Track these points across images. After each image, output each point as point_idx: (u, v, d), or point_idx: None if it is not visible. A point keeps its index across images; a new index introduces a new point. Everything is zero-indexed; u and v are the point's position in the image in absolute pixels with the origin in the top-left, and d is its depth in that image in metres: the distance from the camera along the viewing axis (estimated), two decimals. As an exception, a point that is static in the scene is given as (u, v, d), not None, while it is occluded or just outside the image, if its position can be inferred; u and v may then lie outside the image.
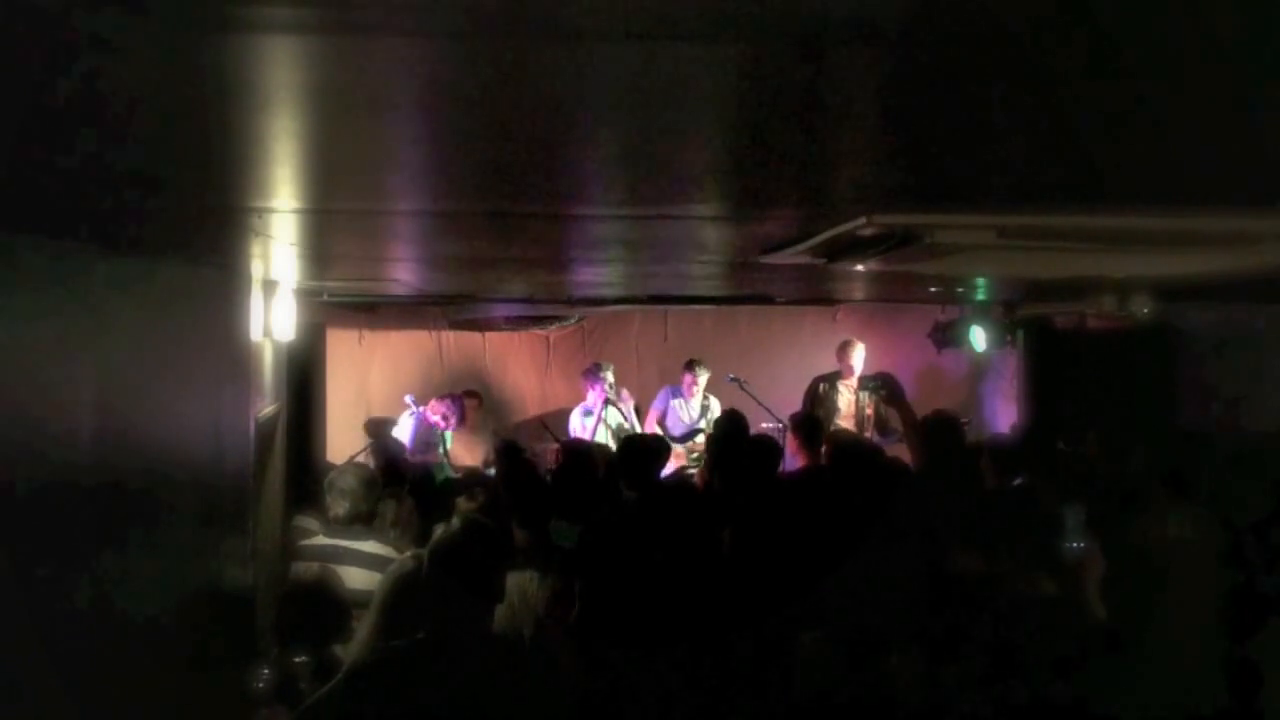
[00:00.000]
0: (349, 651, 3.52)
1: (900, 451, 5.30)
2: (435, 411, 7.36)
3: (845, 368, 7.55)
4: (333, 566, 4.07)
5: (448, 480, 5.70)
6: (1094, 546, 3.78)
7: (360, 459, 5.56)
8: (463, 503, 4.29)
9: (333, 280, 5.45)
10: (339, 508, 4.16)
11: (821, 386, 7.58)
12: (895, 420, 5.84)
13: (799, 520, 4.05)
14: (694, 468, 6.98)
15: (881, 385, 5.02)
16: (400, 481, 4.93)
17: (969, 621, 3.42)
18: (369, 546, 4.10)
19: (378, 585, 3.62)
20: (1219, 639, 3.28)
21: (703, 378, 7.63)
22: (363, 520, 4.18)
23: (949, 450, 4.60)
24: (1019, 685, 3.24)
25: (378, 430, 6.73)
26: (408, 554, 3.71)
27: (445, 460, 7.16)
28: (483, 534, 2.78)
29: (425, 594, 2.69)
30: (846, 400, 7.49)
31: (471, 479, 5.18)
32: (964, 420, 6.54)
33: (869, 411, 7.38)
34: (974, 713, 3.21)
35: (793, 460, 5.37)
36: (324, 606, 3.93)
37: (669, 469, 6.99)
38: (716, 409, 7.53)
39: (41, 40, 1.14)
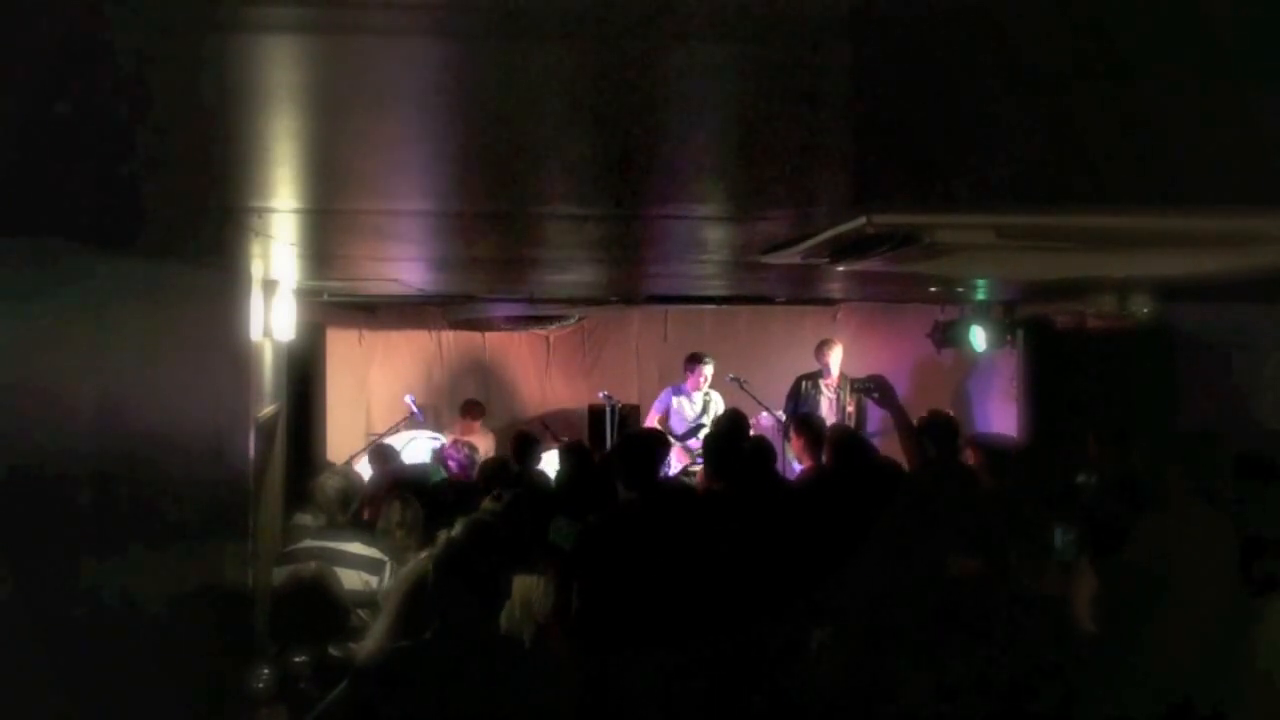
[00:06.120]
0: (361, 651, 3.53)
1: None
2: (451, 458, 7.31)
3: (824, 367, 7.58)
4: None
5: (444, 483, 5.70)
6: (1084, 562, 3.78)
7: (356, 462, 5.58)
8: (488, 503, 4.28)
9: (333, 280, 5.45)
10: (323, 511, 4.31)
11: (805, 385, 7.61)
12: (883, 420, 5.85)
13: (809, 521, 4.05)
14: (698, 466, 7.00)
15: (875, 388, 4.99)
16: (406, 484, 4.96)
17: (970, 620, 3.42)
18: (354, 547, 4.18)
19: (392, 586, 3.64)
20: (1227, 636, 3.27)
21: (708, 369, 7.63)
22: (347, 522, 4.29)
23: (947, 450, 4.60)
24: (1019, 683, 3.24)
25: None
26: (424, 555, 3.72)
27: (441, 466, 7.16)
28: (486, 535, 2.79)
29: (431, 594, 2.70)
30: (828, 400, 7.52)
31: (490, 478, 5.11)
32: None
33: (850, 409, 7.41)
34: (976, 712, 3.21)
35: (798, 461, 5.40)
36: (320, 606, 3.94)
37: (675, 468, 7.02)
38: (718, 403, 7.54)
39: (43, 41, 1.14)
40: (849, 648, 3.28)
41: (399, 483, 5.00)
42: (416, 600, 3.19)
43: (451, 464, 7.01)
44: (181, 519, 3.45)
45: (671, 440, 7.18)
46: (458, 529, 2.86)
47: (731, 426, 5.28)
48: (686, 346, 8.02)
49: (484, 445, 7.75)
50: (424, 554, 3.69)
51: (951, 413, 5.13)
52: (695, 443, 7.55)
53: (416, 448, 7.40)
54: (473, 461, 6.81)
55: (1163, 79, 1.35)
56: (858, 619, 3.40)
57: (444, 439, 7.41)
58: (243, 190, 2.34)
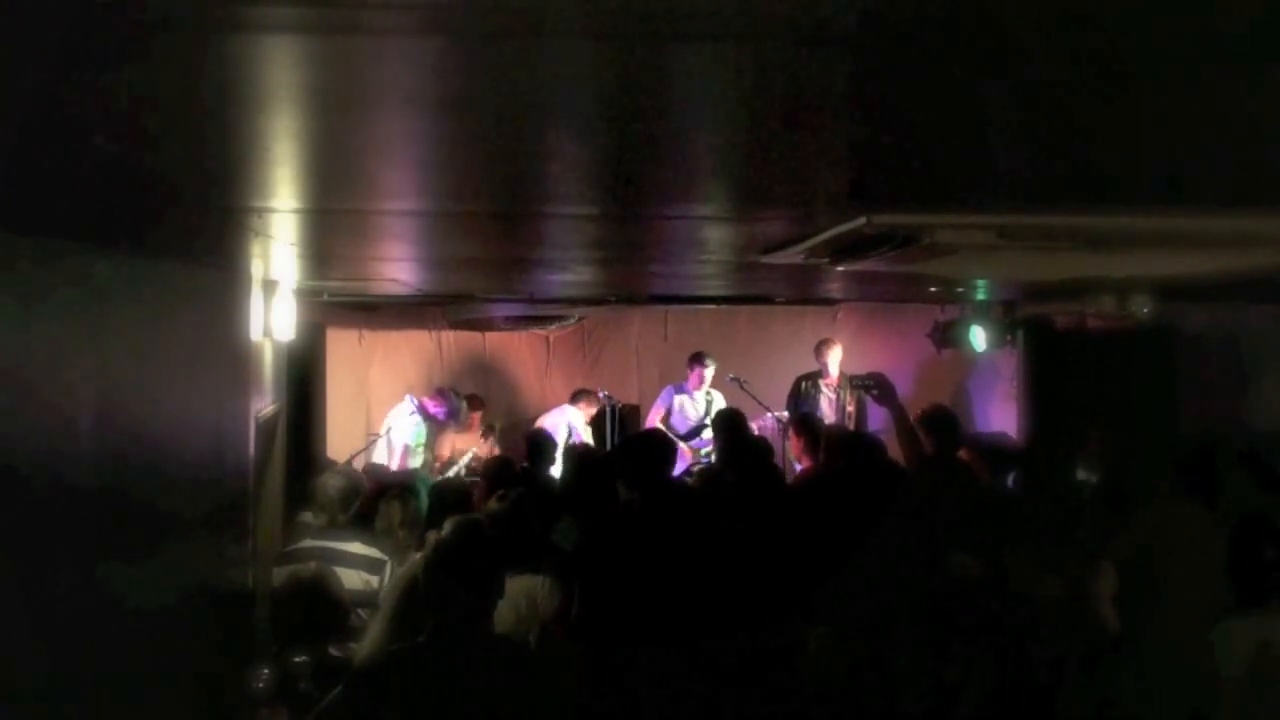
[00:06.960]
0: (359, 653, 3.54)
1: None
2: (432, 407, 7.35)
3: (823, 367, 7.58)
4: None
5: (444, 484, 5.70)
6: (1106, 562, 3.77)
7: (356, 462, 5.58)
8: (493, 502, 4.29)
9: (333, 280, 5.45)
10: (324, 511, 4.34)
11: (804, 385, 7.61)
12: (884, 419, 5.84)
13: (810, 521, 4.05)
14: (701, 464, 6.99)
15: (874, 385, 4.98)
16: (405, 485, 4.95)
17: (971, 620, 3.42)
18: (355, 547, 4.19)
19: (388, 588, 3.64)
20: (1213, 636, 3.27)
21: (710, 370, 7.64)
22: (348, 522, 4.31)
23: (946, 445, 4.60)
24: (1021, 684, 3.24)
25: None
26: (418, 555, 3.72)
27: (427, 462, 7.19)
28: (475, 534, 2.79)
29: (425, 596, 2.70)
30: (828, 399, 7.52)
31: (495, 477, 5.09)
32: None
33: (850, 409, 7.40)
34: (977, 712, 3.21)
35: (799, 462, 5.40)
36: (320, 606, 3.94)
37: (677, 468, 7.02)
38: (720, 403, 7.54)
39: (43, 41, 1.14)
40: (848, 648, 3.28)
41: (385, 488, 4.98)
42: (410, 602, 3.19)
43: (438, 414, 7.10)
44: (181, 519, 3.45)
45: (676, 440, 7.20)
46: (446, 529, 2.86)
47: (732, 424, 5.28)
48: (686, 346, 8.03)
49: (485, 444, 7.75)
50: (418, 556, 3.70)
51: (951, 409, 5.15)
52: (699, 442, 7.56)
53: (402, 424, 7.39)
54: (453, 403, 6.96)
55: (1163, 79, 1.35)
56: (857, 619, 3.40)
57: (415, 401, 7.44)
58: (243, 190, 2.34)
